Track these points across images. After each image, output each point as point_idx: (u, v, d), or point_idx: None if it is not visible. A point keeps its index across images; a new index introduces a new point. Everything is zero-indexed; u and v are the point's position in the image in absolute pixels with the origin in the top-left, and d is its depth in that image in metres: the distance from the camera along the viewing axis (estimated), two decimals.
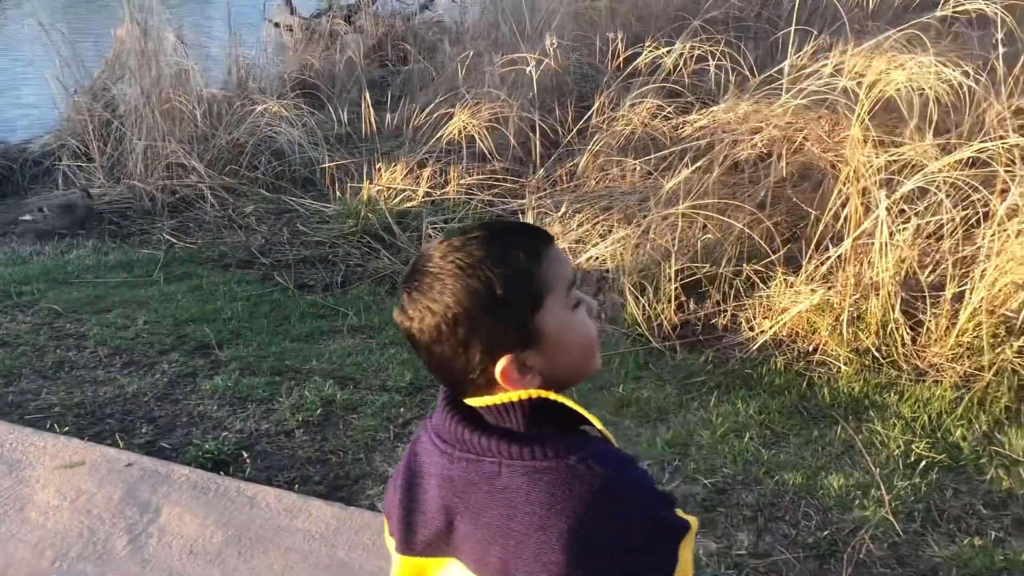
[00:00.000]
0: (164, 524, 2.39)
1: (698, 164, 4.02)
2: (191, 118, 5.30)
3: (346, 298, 4.14)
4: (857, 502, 2.63)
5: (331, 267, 4.49)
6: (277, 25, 9.04)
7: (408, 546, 1.08)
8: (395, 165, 4.91)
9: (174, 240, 4.79)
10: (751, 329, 3.65)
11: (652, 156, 4.44)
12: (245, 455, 2.77)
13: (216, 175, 5.23)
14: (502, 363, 1.01)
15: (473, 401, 1.04)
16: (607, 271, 3.82)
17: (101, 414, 3.01)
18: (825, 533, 2.52)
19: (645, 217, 3.96)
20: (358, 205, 4.69)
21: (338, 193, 4.90)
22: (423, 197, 4.71)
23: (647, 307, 3.70)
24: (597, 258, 3.96)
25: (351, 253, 4.55)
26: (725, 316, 3.73)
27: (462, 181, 4.78)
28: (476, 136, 4.77)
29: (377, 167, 4.96)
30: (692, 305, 3.78)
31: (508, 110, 4.80)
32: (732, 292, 3.74)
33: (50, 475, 2.57)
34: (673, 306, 3.73)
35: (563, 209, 4.25)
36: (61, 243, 4.85)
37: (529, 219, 4.17)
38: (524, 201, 4.45)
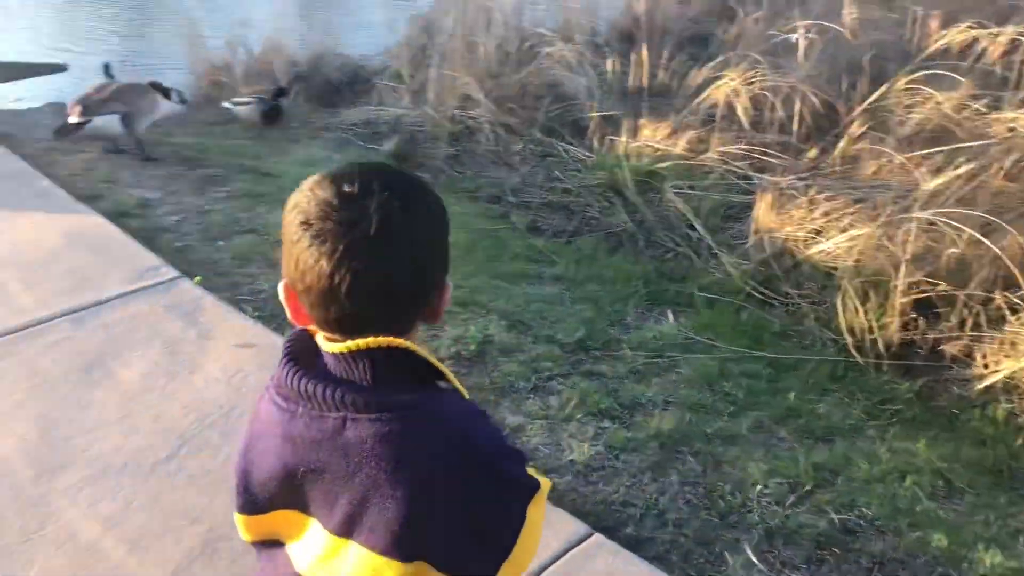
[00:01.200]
0: None
1: (970, 166, 3.47)
2: (487, 55, 5.52)
3: (567, 247, 4.16)
4: None
5: (568, 215, 4.52)
6: None
7: (249, 507, 1.07)
8: (659, 123, 4.77)
9: (444, 168, 5.09)
10: (985, 366, 3.13)
11: (938, 149, 3.90)
12: None
13: (498, 111, 5.42)
14: (448, 286, 1.04)
15: (335, 347, 0.99)
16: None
17: None
18: None
19: (894, 216, 3.51)
20: (610, 158, 4.64)
21: (598, 144, 4.88)
22: (677, 159, 4.55)
23: (866, 317, 3.31)
24: (828, 252, 3.60)
25: (591, 204, 4.54)
26: (957, 345, 3.23)
27: (722, 148, 4.53)
28: (742, 104, 4.49)
29: (641, 122, 4.86)
30: (921, 325, 3.32)
31: (785, 80, 4.45)
32: (973, 320, 3.23)
33: (225, 351, 2.91)
34: (898, 322, 3.30)
35: (810, 194, 3.89)
36: (359, 152, 5.34)
37: (766, 202, 3.87)
38: (777, 179, 4.13)
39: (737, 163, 4.36)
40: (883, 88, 4.34)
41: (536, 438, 2.63)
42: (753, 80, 4.63)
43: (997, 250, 3.20)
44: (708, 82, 4.84)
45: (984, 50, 4.27)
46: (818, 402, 2.99)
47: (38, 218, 3.69)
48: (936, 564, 2.28)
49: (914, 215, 3.38)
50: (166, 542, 2.17)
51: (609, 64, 5.48)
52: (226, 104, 5.76)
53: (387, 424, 0.97)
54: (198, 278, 3.34)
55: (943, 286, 3.27)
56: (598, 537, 2.22)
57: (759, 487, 2.50)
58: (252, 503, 1.07)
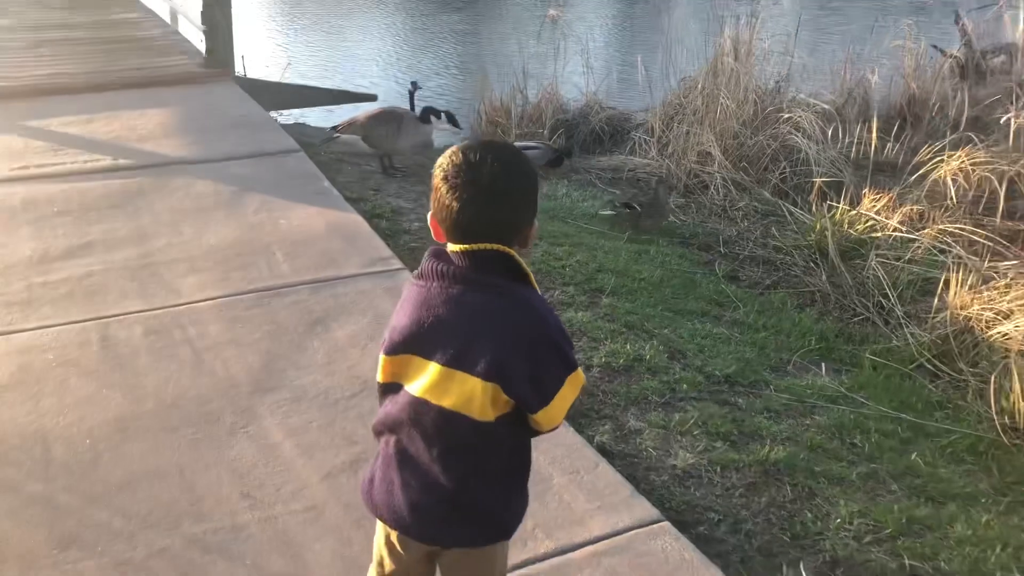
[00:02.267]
0: None
1: None
2: (731, 115, 5.85)
3: (757, 297, 4.39)
4: None
5: (771, 270, 4.73)
6: (943, 52, 8.71)
7: (389, 349, 1.59)
8: (881, 194, 4.84)
9: (669, 214, 5.47)
10: None
11: None
12: None
13: (732, 169, 5.72)
14: (535, 225, 1.59)
15: (460, 247, 1.52)
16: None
17: None
18: None
19: None
20: (826, 222, 4.79)
21: (817, 208, 5.03)
22: (891, 231, 4.61)
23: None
24: (1005, 335, 3.57)
25: (796, 263, 4.72)
26: None
27: (940, 227, 4.53)
28: (963, 184, 4.46)
29: (864, 192, 4.94)
30: None
31: (1007, 165, 4.37)
32: None
33: None
34: None
35: (1008, 277, 3.84)
36: (600, 194, 5.87)
37: (961, 279, 3.87)
38: (979, 260, 4.10)
39: (947, 240, 4.35)
40: None
41: (648, 441, 2.96)
42: (979, 162, 4.58)
43: None
44: (936, 160, 4.83)
45: None
46: (945, 468, 3.03)
47: (311, 211, 4.56)
48: None
49: None
50: (327, 454, 2.76)
51: (840, 133, 5.59)
52: None
53: (491, 296, 1.53)
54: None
55: None
56: (666, 524, 2.51)
57: (842, 522, 2.65)
58: (392, 347, 1.60)
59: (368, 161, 5.67)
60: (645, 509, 2.57)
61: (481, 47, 11.06)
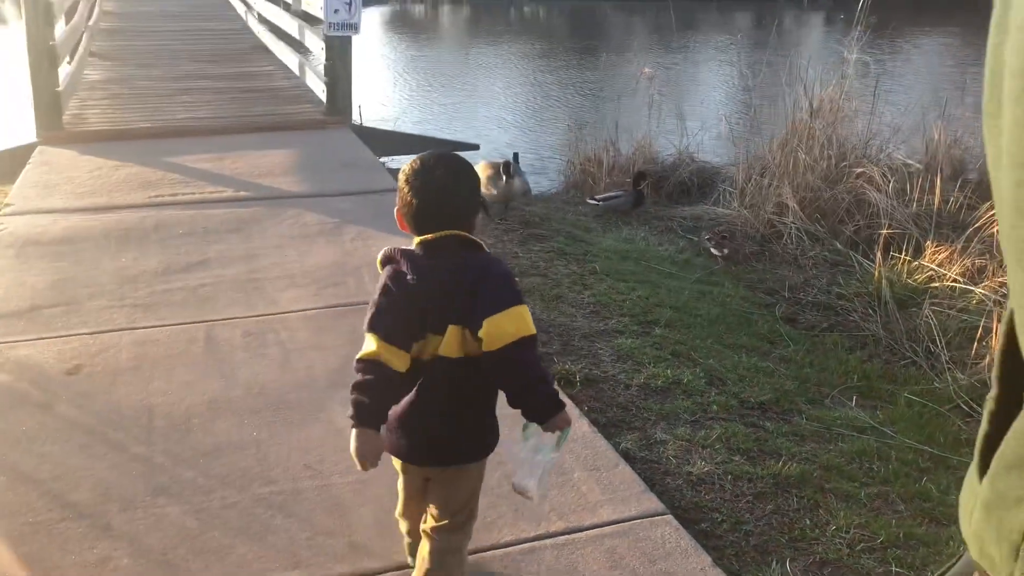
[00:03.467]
0: None
1: None
2: (807, 168, 6.08)
3: (810, 338, 4.59)
4: None
5: (831, 315, 4.92)
6: None
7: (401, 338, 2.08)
8: (942, 246, 4.98)
9: (741, 261, 5.73)
10: None
11: None
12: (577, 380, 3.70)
13: (806, 219, 5.94)
14: (479, 216, 2.05)
15: (426, 238, 1.97)
16: None
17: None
18: None
19: None
20: (889, 272, 4.96)
21: (881, 258, 5.19)
22: (948, 281, 4.75)
23: None
24: None
25: (856, 310, 4.90)
26: None
27: (1000, 279, 4.64)
28: None
29: (927, 244, 5.09)
30: None
31: None
32: None
33: None
34: None
35: None
36: (677, 240, 6.19)
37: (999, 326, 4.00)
38: None
39: (999, 293, 4.46)
40: None
41: (670, 451, 3.25)
42: None
43: None
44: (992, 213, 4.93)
45: None
46: (957, 495, 3.18)
47: (400, 240, 5.07)
48: None
49: None
50: None
51: (920, 190, 5.73)
52: (590, 201, 6.78)
53: (457, 265, 1.97)
54: None
55: None
56: (669, 518, 2.80)
57: (838, 530, 2.87)
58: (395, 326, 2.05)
59: None
60: (653, 503, 2.86)
61: (578, 101, 11.57)
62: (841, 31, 16.88)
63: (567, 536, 2.69)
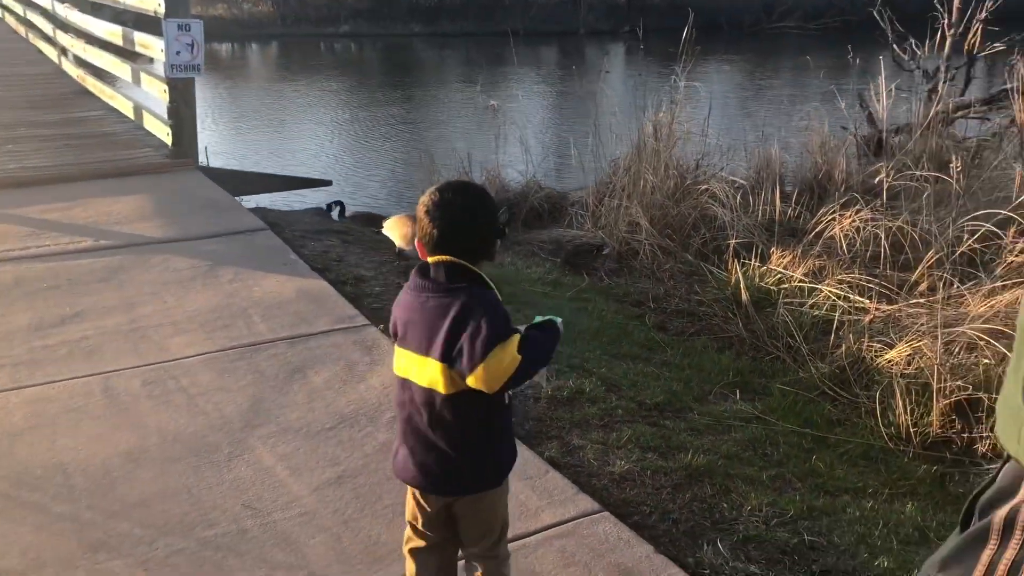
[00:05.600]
0: None
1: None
2: (654, 189, 6.53)
3: (683, 343, 4.96)
4: None
5: (694, 320, 5.32)
6: (854, 134, 9.59)
7: (395, 338, 2.13)
8: (786, 252, 5.51)
9: (605, 277, 6.07)
10: None
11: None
12: None
13: (658, 236, 6.37)
14: (498, 243, 2.10)
15: (431, 259, 2.02)
16: None
17: None
18: None
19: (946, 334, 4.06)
20: (740, 278, 5.42)
21: (732, 266, 5.67)
22: (796, 282, 5.25)
23: (909, 415, 3.85)
24: (891, 361, 4.17)
25: (716, 314, 5.32)
26: (987, 443, 3.70)
27: (838, 277, 5.18)
28: (844, 239, 5.16)
29: (772, 251, 5.61)
30: (959, 425, 3.81)
31: (888, 220, 5.08)
32: None
33: (386, 372, 3.97)
34: (937, 420, 3.82)
35: (893, 315, 4.48)
36: (543, 262, 6.46)
37: (852, 320, 4.50)
38: (872, 304, 4.74)
39: (842, 288, 5.00)
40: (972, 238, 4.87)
41: (590, 454, 3.45)
42: (869, 220, 5.28)
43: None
44: (830, 220, 5.53)
45: None
46: (841, 469, 3.58)
47: (282, 279, 5.05)
48: None
49: (959, 329, 3.92)
50: (314, 473, 3.20)
51: (753, 203, 6.30)
52: None
53: (447, 298, 2.00)
54: (381, 326, 4.50)
55: (975, 392, 3.77)
56: (606, 514, 3.00)
57: (752, 509, 3.16)
58: (395, 336, 2.12)
59: (328, 236, 6.18)
60: (588, 503, 3.06)
61: (427, 135, 11.77)
62: (644, 60, 18.01)
63: (519, 542, 2.83)
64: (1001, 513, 1.03)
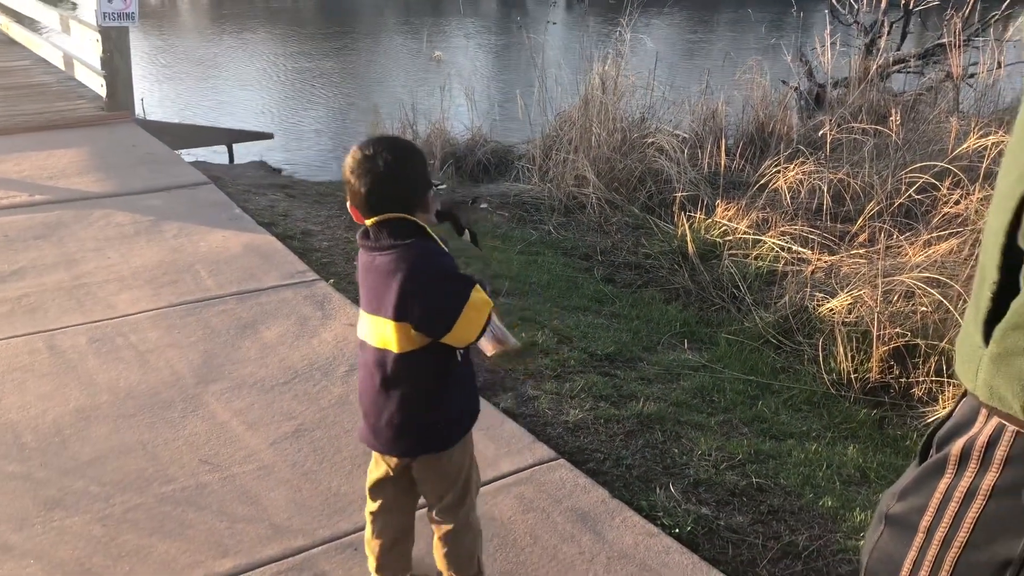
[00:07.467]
0: None
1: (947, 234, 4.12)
2: (602, 142, 6.56)
3: (631, 295, 5.03)
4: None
5: (641, 273, 5.40)
6: (794, 88, 9.67)
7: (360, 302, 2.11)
8: (731, 204, 5.60)
9: (552, 230, 6.11)
10: (944, 407, 3.74)
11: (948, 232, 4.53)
12: None
13: (605, 190, 6.41)
14: (431, 194, 2.02)
15: (369, 222, 1.97)
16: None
17: None
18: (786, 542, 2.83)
19: (886, 281, 4.19)
20: (686, 230, 5.50)
21: (678, 219, 5.75)
22: (740, 234, 5.35)
23: (850, 360, 3.99)
24: (833, 310, 4.30)
25: (663, 266, 5.40)
26: (923, 387, 3.85)
27: (781, 229, 5.29)
28: (787, 191, 5.26)
29: (717, 203, 5.70)
30: (897, 370, 3.96)
31: (830, 172, 5.20)
32: (937, 367, 3.84)
33: (338, 327, 3.98)
34: (876, 366, 3.96)
35: (834, 265, 4.60)
36: (489, 215, 6.45)
37: (796, 270, 4.61)
38: (815, 254, 4.86)
39: (785, 239, 5.12)
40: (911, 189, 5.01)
41: (544, 404, 3.52)
42: (811, 173, 5.39)
43: (958, 314, 3.83)
44: (774, 173, 5.63)
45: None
46: (786, 415, 3.70)
47: (228, 234, 4.98)
48: (816, 515, 2.96)
49: (900, 278, 4.05)
50: (270, 428, 3.20)
51: (699, 156, 6.37)
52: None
53: (393, 254, 1.97)
54: (331, 281, 4.47)
55: (912, 338, 3.92)
56: (562, 461, 3.07)
57: (702, 454, 3.26)
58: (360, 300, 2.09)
59: (273, 191, 6.09)
60: (544, 451, 3.12)
61: (370, 87, 11.59)
62: (587, 11, 17.91)
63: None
64: (958, 445, 1.09)
